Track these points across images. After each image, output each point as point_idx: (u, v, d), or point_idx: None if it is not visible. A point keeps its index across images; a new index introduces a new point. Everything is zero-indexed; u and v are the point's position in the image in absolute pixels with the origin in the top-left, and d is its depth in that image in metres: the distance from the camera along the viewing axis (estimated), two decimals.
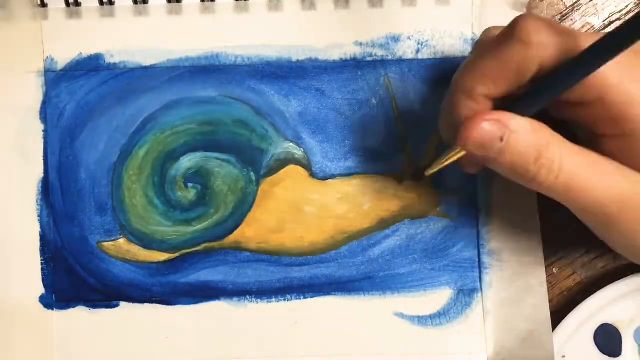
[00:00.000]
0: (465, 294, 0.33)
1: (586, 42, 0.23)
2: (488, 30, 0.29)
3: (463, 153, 0.27)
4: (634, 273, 0.32)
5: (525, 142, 0.25)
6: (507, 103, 0.26)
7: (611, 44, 0.22)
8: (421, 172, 0.32)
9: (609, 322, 0.33)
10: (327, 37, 0.33)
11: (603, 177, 0.25)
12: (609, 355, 0.32)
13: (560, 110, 0.27)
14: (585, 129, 0.27)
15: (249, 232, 0.33)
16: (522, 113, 0.25)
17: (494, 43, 0.25)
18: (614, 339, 0.33)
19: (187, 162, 0.33)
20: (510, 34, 0.25)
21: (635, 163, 0.25)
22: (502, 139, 0.25)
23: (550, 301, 0.33)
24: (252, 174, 0.33)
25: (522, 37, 0.24)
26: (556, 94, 0.24)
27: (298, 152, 0.33)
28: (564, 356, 0.32)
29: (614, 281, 0.32)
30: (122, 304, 0.33)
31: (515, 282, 0.32)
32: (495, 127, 0.25)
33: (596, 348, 0.33)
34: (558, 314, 0.32)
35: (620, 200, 0.25)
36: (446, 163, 0.28)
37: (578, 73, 0.24)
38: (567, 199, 0.25)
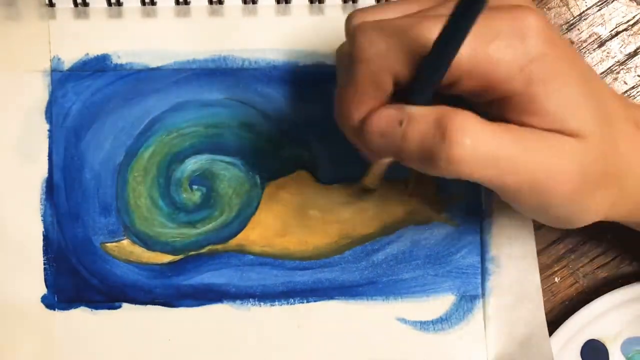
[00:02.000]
0: (467, 300, 0.33)
1: (424, 29, 0.22)
2: (340, 48, 0.28)
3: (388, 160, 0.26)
4: (624, 285, 0.32)
5: (425, 119, 0.23)
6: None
7: (456, 28, 0.21)
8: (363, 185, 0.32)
9: (595, 337, 0.33)
10: (335, 42, 0.33)
11: (517, 144, 0.23)
12: None
13: (447, 92, 0.25)
14: (478, 103, 0.25)
15: (253, 235, 0.33)
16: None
17: (346, 67, 0.25)
18: (601, 355, 0.33)
19: (192, 164, 0.33)
20: (348, 53, 0.24)
21: (538, 117, 0.24)
22: (401, 123, 0.24)
23: (551, 310, 0.33)
24: (257, 177, 0.33)
25: (357, 55, 0.24)
26: (428, 88, 0.24)
27: (304, 156, 0.33)
28: None
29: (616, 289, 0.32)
30: (125, 305, 0.33)
31: (513, 287, 0.33)
32: (392, 110, 0.24)
33: None
34: (559, 324, 0.32)
35: (549, 169, 0.24)
36: (378, 170, 0.29)
37: (439, 64, 0.23)
38: (478, 173, 0.23)
